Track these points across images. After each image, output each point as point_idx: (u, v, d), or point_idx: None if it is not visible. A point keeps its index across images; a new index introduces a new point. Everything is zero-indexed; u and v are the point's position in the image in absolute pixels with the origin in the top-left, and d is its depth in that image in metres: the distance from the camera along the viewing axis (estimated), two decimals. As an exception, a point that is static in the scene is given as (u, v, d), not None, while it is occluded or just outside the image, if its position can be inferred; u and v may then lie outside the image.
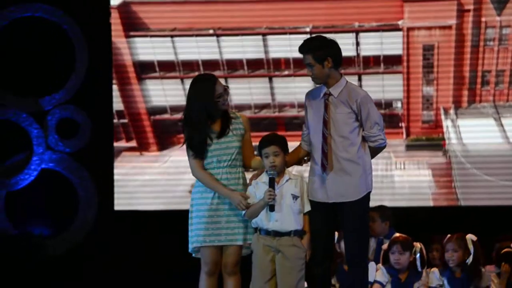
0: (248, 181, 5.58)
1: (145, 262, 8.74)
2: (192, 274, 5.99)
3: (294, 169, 5.65)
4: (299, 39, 6.50)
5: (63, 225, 9.00)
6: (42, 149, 9.01)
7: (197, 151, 5.49)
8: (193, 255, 5.63)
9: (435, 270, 6.41)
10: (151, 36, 9.06)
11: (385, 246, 6.48)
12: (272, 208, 5.38)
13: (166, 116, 9.07)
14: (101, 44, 9.00)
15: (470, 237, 6.32)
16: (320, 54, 5.38)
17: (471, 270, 6.28)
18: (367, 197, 5.48)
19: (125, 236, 8.78)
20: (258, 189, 5.47)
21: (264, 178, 5.47)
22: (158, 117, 9.10)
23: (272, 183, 5.39)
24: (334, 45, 5.45)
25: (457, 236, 6.32)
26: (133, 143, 9.13)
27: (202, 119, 5.45)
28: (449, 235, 6.40)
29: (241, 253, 5.56)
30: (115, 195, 9.03)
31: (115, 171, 9.06)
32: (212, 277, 5.54)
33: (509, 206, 8.61)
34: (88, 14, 8.98)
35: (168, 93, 9.10)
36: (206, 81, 5.53)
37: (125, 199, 9.07)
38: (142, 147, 9.13)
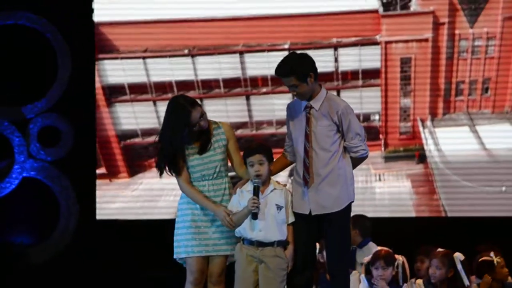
0: (234, 189, 5.61)
1: (127, 271, 8.73)
2: (176, 284, 6.02)
3: (277, 177, 5.69)
4: (277, 56, 6.54)
5: (44, 234, 8.98)
6: (23, 158, 8.99)
7: (177, 171, 5.51)
8: (177, 260, 5.65)
9: (420, 282, 6.44)
10: (122, 58, 9.01)
11: (366, 259, 6.49)
12: (255, 216, 5.41)
13: (137, 140, 9.01)
14: (84, 52, 8.99)
15: (458, 256, 6.26)
16: (303, 73, 5.39)
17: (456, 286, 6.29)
18: (349, 207, 5.53)
19: (107, 244, 8.77)
20: (242, 197, 5.50)
21: (249, 186, 5.50)
22: (128, 141, 9.02)
23: (256, 192, 5.42)
24: (310, 59, 5.47)
25: (444, 253, 6.27)
26: (102, 170, 9.08)
27: (178, 148, 5.45)
28: (437, 250, 6.36)
29: (226, 262, 5.61)
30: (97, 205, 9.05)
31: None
32: (198, 287, 5.57)
33: (491, 217, 8.76)
34: (71, 22, 8.96)
35: (139, 116, 9.04)
36: (181, 111, 5.43)
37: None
38: (112, 174, 9.08)
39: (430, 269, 6.30)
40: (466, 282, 6.20)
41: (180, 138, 5.42)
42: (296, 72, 5.37)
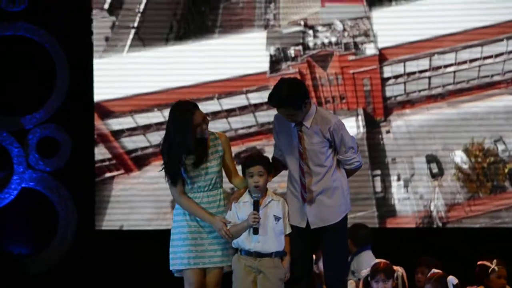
0: (228, 203, 5.58)
1: (125, 280, 8.72)
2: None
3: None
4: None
5: (42, 244, 8.97)
6: (22, 168, 9.01)
7: (172, 179, 5.50)
8: (175, 274, 5.65)
9: None
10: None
11: (364, 272, 6.47)
12: (256, 232, 5.40)
13: (138, 132, 9.04)
14: (82, 63, 9.01)
15: (451, 280, 6.23)
16: (299, 103, 5.35)
17: None
18: (345, 218, 5.54)
19: (105, 255, 8.76)
20: (239, 209, 5.49)
21: (247, 198, 5.49)
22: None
23: (256, 206, 5.41)
24: (303, 87, 5.44)
25: (437, 277, 6.24)
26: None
27: (177, 151, 5.44)
28: (432, 272, 6.33)
29: (222, 273, 5.60)
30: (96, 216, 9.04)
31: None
32: None
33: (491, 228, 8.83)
34: (69, 33, 8.98)
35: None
36: (185, 110, 5.45)
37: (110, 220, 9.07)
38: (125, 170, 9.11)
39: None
40: None
41: (190, 137, 5.40)
42: (293, 104, 5.34)
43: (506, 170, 8.94)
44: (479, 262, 6.64)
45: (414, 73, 8.98)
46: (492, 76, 8.95)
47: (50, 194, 9.02)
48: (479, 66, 8.92)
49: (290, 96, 5.32)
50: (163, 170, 5.52)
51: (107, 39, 9.03)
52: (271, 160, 5.60)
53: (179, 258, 5.54)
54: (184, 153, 5.43)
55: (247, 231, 5.44)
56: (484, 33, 8.92)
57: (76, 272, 8.77)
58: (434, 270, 6.33)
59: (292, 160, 5.48)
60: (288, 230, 5.51)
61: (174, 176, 5.48)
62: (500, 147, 8.90)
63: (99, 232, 8.99)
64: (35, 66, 8.98)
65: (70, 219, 9.01)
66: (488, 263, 6.61)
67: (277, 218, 5.48)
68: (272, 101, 5.37)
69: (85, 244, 8.90)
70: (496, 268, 6.56)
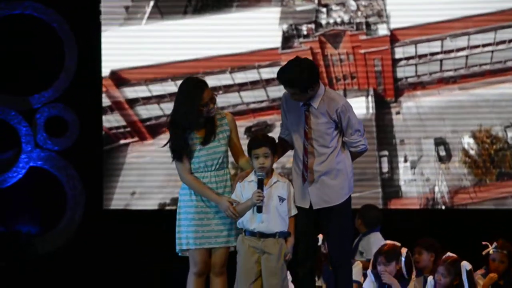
0: (233, 183, 5.59)
1: (132, 260, 8.75)
2: (180, 273, 6.02)
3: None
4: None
5: (51, 223, 9.01)
6: (30, 147, 9.02)
7: (176, 156, 5.50)
8: (180, 254, 5.66)
9: (430, 279, 6.36)
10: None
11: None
12: (259, 210, 5.40)
13: (152, 101, 9.09)
14: (91, 43, 9.00)
15: (465, 265, 6.21)
16: (306, 86, 5.35)
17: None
18: (349, 199, 5.53)
19: (113, 234, 8.78)
20: (245, 188, 5.48)
21: (252, 177, 5.48)
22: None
23: (260, 185, 5.41)
24: (314, 70, 5.40)
25: (451, 261, 6.23)
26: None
27: (183, 125, 5.44)
28: (446, 255, 6.31)
29: (228, 253, 5.60)
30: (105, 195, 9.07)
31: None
32: (201, 278, 5.57)
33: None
34: (78, 12, 8.97)
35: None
36: (194, 88, 5.47)
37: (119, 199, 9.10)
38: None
39: (436, 275, 6.28)
40: None
41: (196, 113, 5.40)
42: (300, 86, 5.34)
43: (515, 157, 8.92)
44: (483, 243, 6.62)
45: (425, 55, 8.93)
46: (505, 62, 8.90)
47: (58, 173, 9.04)
48: (492, 52, 8.87)
49: (298, 78, 5.31)
50: (168, 145, 5.51)
51: (127, 8, 9.06)
52: (277, 140, 5.59)
53: (185, 238, 5.54)
54: (187, 128, 5.43)
55: (251, 210, 5.44)
56: (497, 19, 8.86)
57: (84, 252, 8.79)
58: (449, 254, 6.32)
59: (298, 139, 5.47)
60: (294, 212, 5.51)
61: (178, 152, 5.47)
62: (510, 133, 8.85)
63: (107, 212, 9.01)
64: (43, 45, 8.98)
65: (78, 198, 9.03)
66: (489, 246, 6.58)
67: (281, 199, 5.48)
68: (280, 78, 5.38)
69: (93, 224, 8.93)
70: (491, 251, 6.52)
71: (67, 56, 9.00)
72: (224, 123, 5.59)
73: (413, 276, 6.44)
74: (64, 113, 9.03)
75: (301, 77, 5.31)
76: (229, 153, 5.64)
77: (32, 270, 8.80)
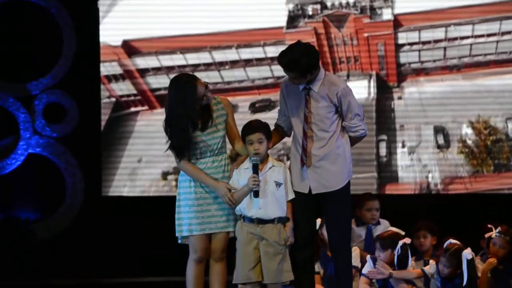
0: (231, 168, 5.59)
1: (132, 247, 8.75)
2: (179, 259, 6.02)
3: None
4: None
5: (49, 210, 8.99)
6: (29, 134, 9.00)
7: (178, 153, 5.49)
8: (179, 241, 5.65)
9: (432, 263, 6.38)
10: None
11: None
12: (256, 194, 5.41)
13: (161, 72, 9.12)
14: (89, 29, 8.96)
15: (466, 255, 6.24)
16: (306, 71, 5.35)
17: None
18: (348, 184, 5.54)
19: (112, 221, 8.77)
20: (241, 175, 5.49)
21: (247, 164, 5.49)
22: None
23: (256, 169, 5.41)
24: (315, 55, 5.39)
25: (453, 251, 6.25)
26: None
27: (183, 125, 5.41)
28: (449, 243, 6.31)
29: (228, 239, 5.60)
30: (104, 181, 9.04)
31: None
32: (201, 264, 5.58)
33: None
34: (77, -1, 8.98)
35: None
36: (186, 85, 5.41)
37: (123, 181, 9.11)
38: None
39: (439, 265, 6.29)
40: (464, 282, 6.19)
41: (194, 111, 5.38)
42: (299, 70, 5.34)
43: (514, 150, 8.88)
44: (488, 225, 6.58)
45: (429, 42, 8.91)
46: (510, 53, 8.87)
47: (57, 160, 9.03)
48: (497, 42, 8.84)
49: (298, 62, 5.31)
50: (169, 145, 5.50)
51: None
52: (274, 126, 5.60)
53: (185, 224, 5.54)
54: (190, 125, 5.41)
55: (249, 196, 5.45)
56: (502, 9, 8.84)
57: (83, 239, 8.78)
58: (451, 241, 6.33)
59: (297, 124, 5.47)
60: (291, 196, 5.51)
61: (179, 149, 5.46)
62: (511, 125, 8.81)
63: (106, 198, 8.98)
64: (42, 31, 8.94)
65: (77, 185, 9.03)
66: (493, 229, 6.55)
67: (278, 184, 5.48)
68: (280, 62, 5.38)
69: (92, 210, 8.92)
70: (494, 235, 6.49)
71: (65, 42, 8.96)
72: (220, 107, 5.58)
73: (412, 261, 6.43)
74: (63, 99, 9.01)
75: (301, 62, 5.32)
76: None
77: (31, 256, 8.81)
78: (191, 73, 5.64)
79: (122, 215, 8.82)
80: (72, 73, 8.97)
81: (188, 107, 5.37)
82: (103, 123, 9.04)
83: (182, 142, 5.45)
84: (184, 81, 5.44)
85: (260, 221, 5.46)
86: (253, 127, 5.48)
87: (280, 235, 5.45)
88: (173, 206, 5.61)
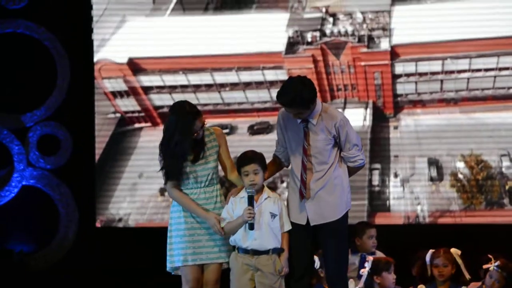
0: (227, 198, 5.58)
1: (126, 278, 8.71)
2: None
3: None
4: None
5: (44, 242, 8.99)
6: (23, 166, 9.02)
7: (170, 178, 5.50)
8: (172, 273, 5.63)
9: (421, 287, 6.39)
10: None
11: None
12: (251, 227, 5.40)
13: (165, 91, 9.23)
14: (83, 61, 9.02)
15: (455, 251, 6.35)
16: (309, 102, 5.35)
17: (460, 281, 6.30)
18: (346, 215, 5.53)
19: (106, 252, 8.76)
20: (236, 205, 5.48)
21: (243, 194, 5.48)
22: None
23: (251, 201, 5.40)
24: (312, 85, 5.40)
25: (444, 251, 6.34)
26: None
27: (177, 153, 5.43)
28: (433, 251, 6.39)
29: (221, 270, 5.57)
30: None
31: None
32: None
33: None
34: (69, 31, 9.00)
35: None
36: (187, 117, 5.43)
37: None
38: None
39: (436, 270, 6.33)
40: (467, 275, 6.26)
41: (189, 143, 5.41)
42: (305, 104, 5.34)
43: (507, 187, 8.81)
44: (488, 256, 6.56)
45: (426, 73, 8.94)
46: (508, 88, 8.88)
47: (51, 192, 9.04)
48: (495, 77, 8.87)
49: (301, 97, 5.32)
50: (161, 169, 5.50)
51: (154, 0, 9.26)
52: (272, 157, 5.60)
53: (176, 255, 5.52)
54: (181, 154, 5.42)
55: (244, 227, 5.43)
56: (500, 44, 8.84)
57: (77, 270, 8.76)
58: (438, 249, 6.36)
59: (295, 156, 5.48)
60: (287, 228, 5.49)
61: (171, 175, 5.47)
62: (505, 162, 8.80)
63: (100, 229, 8.99)
64: (36, 63, 9.00)
65: (71, 216, 9.03)
66: (492, 261, 6.51)
67: (273, 215, 5.47)
68: (282, 100, 5.37)
69: (86, 241, 8.91)
70: (492, 268, 6.46)
71: (59, 74, 9.01)
72: (212, 138, 5.59)
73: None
74: (56, 131, 9.05)
75: (302, 95, 5.32)
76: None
77: (25, 288, 8.78)
78: (193, 105, 5.59)
79: (116, 246, 8.80)
80: (66, 104, 9.00)
81: (183, 137, 5.39)
82: (106, 139, 9.11)
83: (171, 168, 5.45)
84: (185, 111, 5.45)
85: (255, 252, 5.45)
86: (249, 158, 5.47)
87: (274, 265, 5.44)
88: (166, 237, 5.59)
